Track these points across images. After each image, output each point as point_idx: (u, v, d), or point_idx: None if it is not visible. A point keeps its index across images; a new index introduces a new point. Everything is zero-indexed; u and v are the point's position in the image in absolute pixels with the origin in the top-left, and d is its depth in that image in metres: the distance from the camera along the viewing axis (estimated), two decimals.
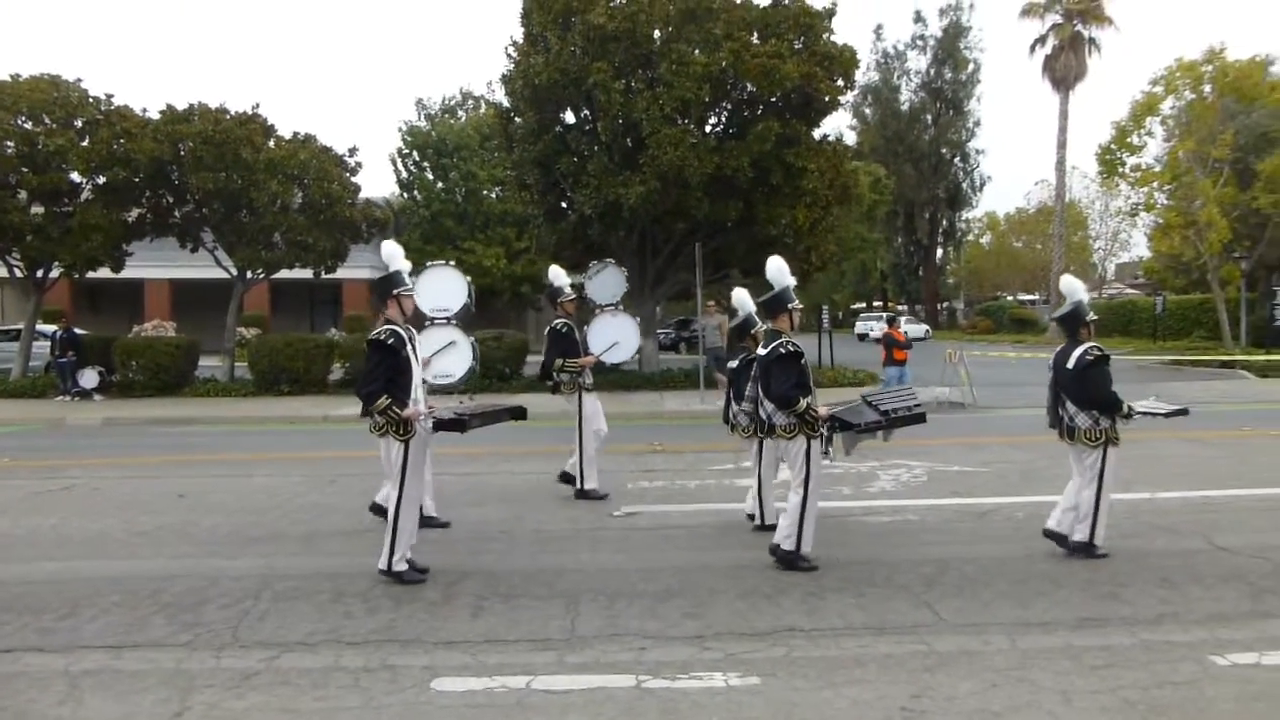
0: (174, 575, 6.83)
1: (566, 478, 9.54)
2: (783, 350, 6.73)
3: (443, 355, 8.74)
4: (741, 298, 8.39)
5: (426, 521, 8.11)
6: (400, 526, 6.59)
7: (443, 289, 9.08)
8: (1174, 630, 5.41)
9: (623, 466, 11.27)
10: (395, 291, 6.70)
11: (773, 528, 7.72)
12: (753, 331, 8.13)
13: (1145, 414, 7.17)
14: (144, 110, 21.13)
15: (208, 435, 15.79)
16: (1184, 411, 7.40)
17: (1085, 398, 6.84)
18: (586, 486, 9.39)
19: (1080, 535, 6.95)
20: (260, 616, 5.91)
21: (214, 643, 5.44)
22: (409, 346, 6.57)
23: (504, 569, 6.95)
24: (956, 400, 18.10)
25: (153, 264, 30.10)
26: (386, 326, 6.56)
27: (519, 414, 7.76)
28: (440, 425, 6.68)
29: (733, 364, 8.37)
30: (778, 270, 7.17)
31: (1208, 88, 26.74)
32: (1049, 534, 7.11)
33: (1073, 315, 7.05)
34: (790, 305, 6.99)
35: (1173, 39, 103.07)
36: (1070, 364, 6.92)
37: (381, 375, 6.42)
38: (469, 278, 9.45)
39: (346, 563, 7.15)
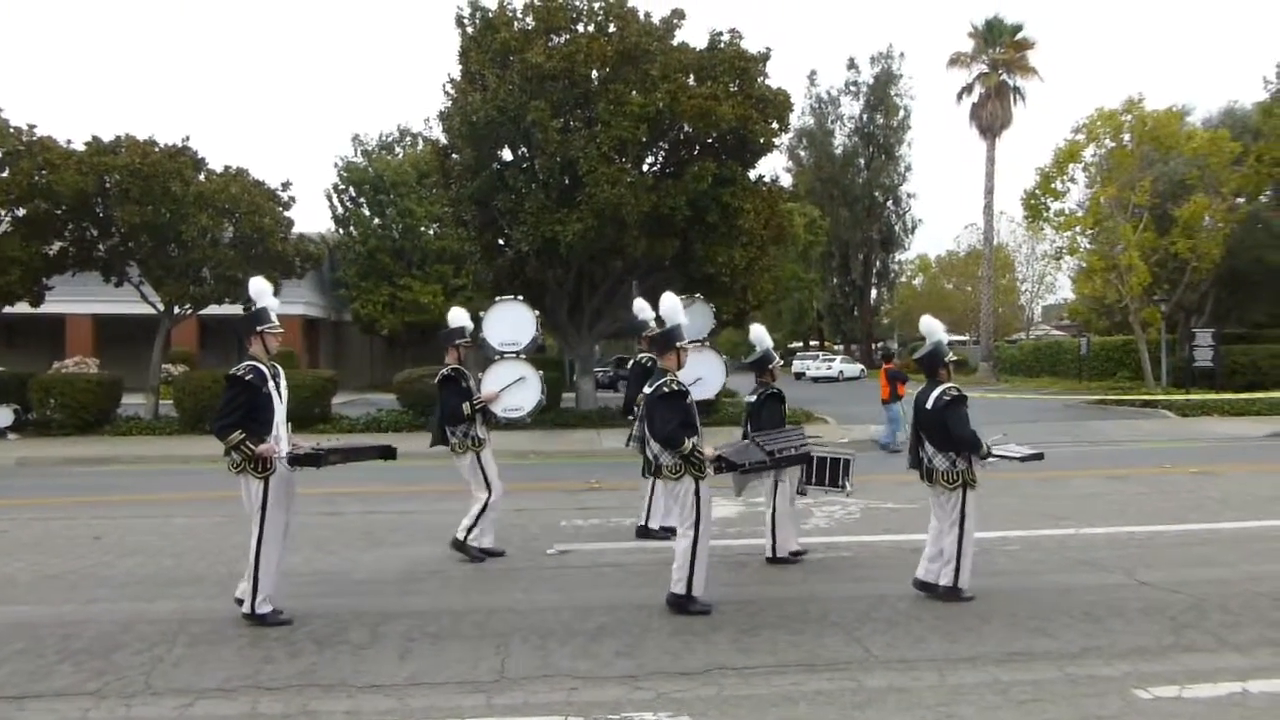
0: (85, 620, 6.55)
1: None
2: (666, 389, 6.59)
3: (512, 390, 8.63)
4: (759, 334, 8.45)
5: (486, 553, 8.27)
6: (262, 568, 6.38)
7: (511, 324, 8.93)
8: (1098, 664, 5.48)
9: (558, 504, 11.15)
10: (260, 328, 6.60)
11: (783, 560, 7.98)
12: (770, 367, 8.23)
13: (1001, 457, 7.15)
14: (68, 142, 20.63)
15: (128, 475, 15.29)
16: (1039, 456, 7.40)
17: (943, 439, 6.80)
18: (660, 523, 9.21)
19: (945, 580, 6.85)
20: (175, 662, 5.69)
21: (124, 691, 5.21)
22: (270, 383, 6.46)
23: (434, 609, 6.80)
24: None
25: (75, 298, 29.28)
26: (248, 363, 6.48)
27: (388, 454, 7.38)
28: (295, 460, 6.43)
29: (750, 399, 8.25)
30: (670, 309, 7.10)
31: (1127, 136, 27.68)
32: (919, 584, 6.98)
33: (932, 356, 7.07)
34: (679, 344, 6.90)
35: (1094, 89, 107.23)
36: (929, 404, 6.87)
37: (237, 410, 6.32)
38: (537, 312, 9.34)
39: None
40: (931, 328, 7.21)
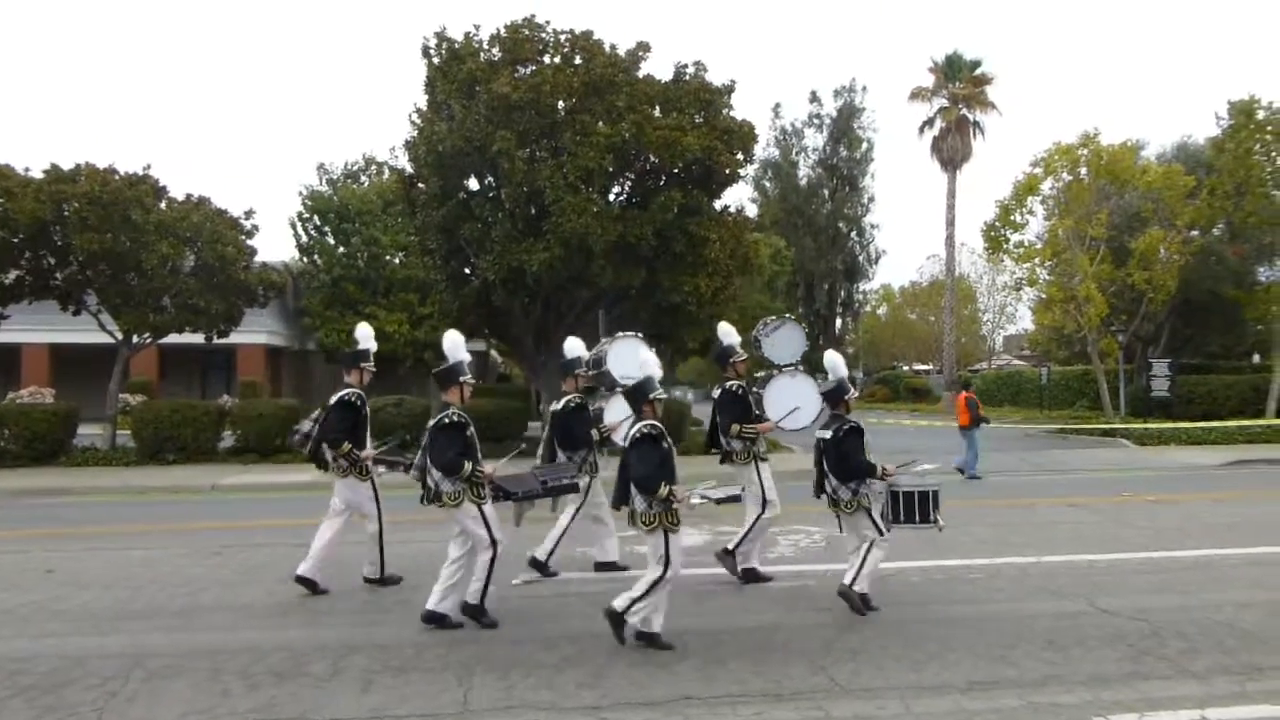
0: (37, 655, 6.41)
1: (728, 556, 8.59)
2: (447, 420, 7.01)
3: (629, 422, 8.49)
4: (833, 361, 7.87)
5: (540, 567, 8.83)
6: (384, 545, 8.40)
7: (631, 358, 8.69)
8: (1059, 692, 5.52)
9: (523, 534, 11.06)
10: (362, 365, 8.48)
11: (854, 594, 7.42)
12: (845, 398, 7.61)
13: (704, 498, 7.16)
14: (26, 169, 20.32)
15: (83, 507, 14.98)
16: (737, 498, 7.59)
17: (634, 477, 6.54)
18: (752, 564, 8.56)
19: (620, 604, 6.51)
20: (129, 698, 5.57)
21: None
22: (366, 408, 8.33)
23: (397, 641, 6.72)
24: None
25: (31, 327, 28.81)
26: (354, 390, 8.26)
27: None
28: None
29: (824, 434, 7.57)
30: (452, 345, 7.42)
31: (1084, 170, 28.17)
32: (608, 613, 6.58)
33: (638, 390, 6.83)
34: (462, 379, 7.26)
35: (1051, 124, 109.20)
36: (626, 441, 6.74)
37: (346, 428, 8.08)
38: (653, 347, 9.46)
39: (227, 638, 6.82)
40: (646, 361, 7.06)
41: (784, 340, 9.32)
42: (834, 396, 7.67)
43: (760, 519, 8.41)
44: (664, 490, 6.32)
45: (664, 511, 6.38)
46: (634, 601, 6.43)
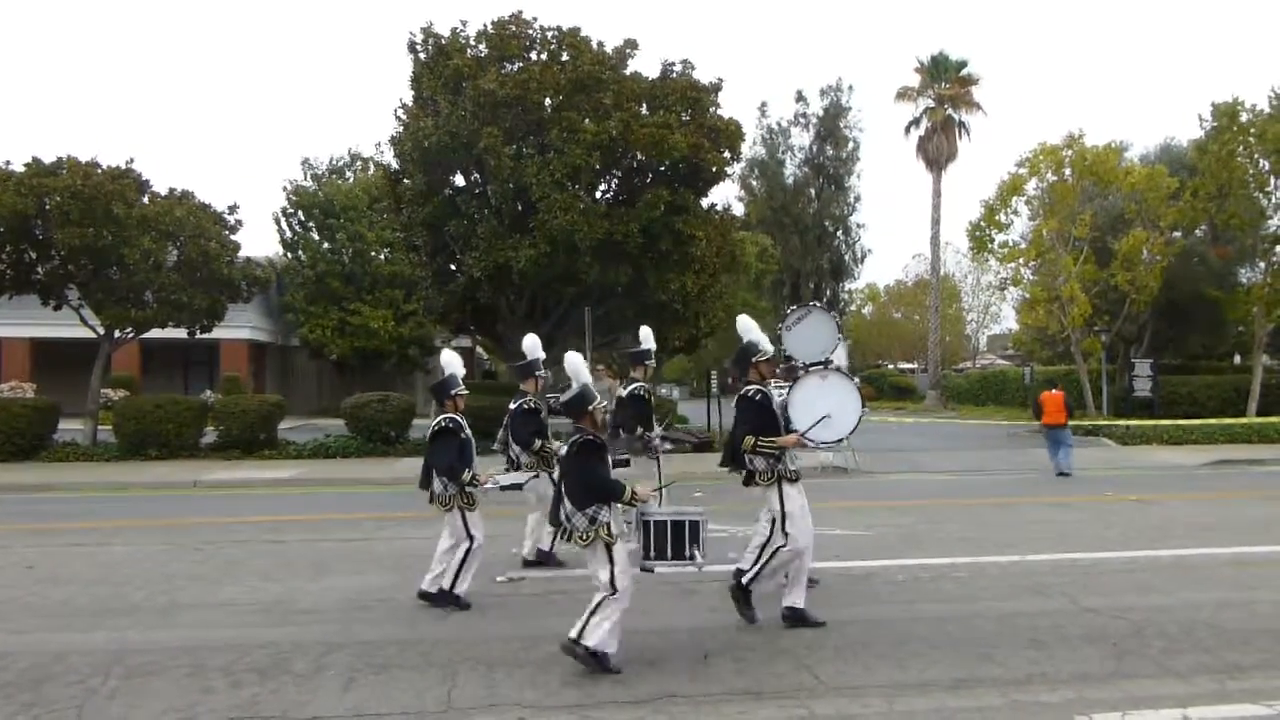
0: (15, 652, 6.35)
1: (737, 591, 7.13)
2: (526, 406, 8.97)
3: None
4: (573, 365, 6.80)
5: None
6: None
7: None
8: (1042, 691, 5.53)
9: (509, 530, 11.04)
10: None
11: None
12: (590, 408, 6.31)
13: (496, 485, 8.06)
14: (7, 163, 20.16)
15: (64, 503, 14.87)
16: (519, 486, 8.45)
17: (433, 463, 7.64)
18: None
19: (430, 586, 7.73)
20: (109, 695, 5.52)
21: None
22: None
23: (380, 638, 6.69)
24: (839, 465, 18.41)
25: (11, 322, 28.60)
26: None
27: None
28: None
29: (562, 448, 6.59)
30: (531, 344, 9.13)
31: (1068, 171, 28.28)
32: (423, 594, 7.70)
33: (438, 388, 7.95)
34: (538, 373, 9.12)
35: (1036, 124, 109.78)
36: (428, 434, 7.75)
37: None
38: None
39: (208, 635, 6.77)
40: (449, 360, 8.05)
41: (810, 333, 7.63)
42: (574, 407, 6.33)
43: (779, 551, 6.95)
44: (467, 475, 7.47)
45: (460, 493, 7.52)
46: (446, 576, 7.60)
